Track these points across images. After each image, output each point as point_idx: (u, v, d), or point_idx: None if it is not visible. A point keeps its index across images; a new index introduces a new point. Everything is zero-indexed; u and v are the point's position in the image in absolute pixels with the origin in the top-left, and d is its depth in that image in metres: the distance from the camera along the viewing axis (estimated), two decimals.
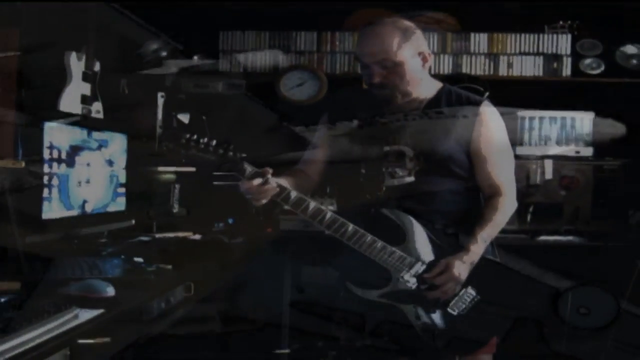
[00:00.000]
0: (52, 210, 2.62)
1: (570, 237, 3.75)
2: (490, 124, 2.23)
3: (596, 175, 3.96)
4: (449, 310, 2.17)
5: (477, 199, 2.29)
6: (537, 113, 4.02)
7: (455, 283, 2.13)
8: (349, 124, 2.28)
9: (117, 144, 3.16)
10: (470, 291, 2.17)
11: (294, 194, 2.11)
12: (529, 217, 3.85)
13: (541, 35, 4.12)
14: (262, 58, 4.18)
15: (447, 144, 2.19)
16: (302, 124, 2.50)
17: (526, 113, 4.02)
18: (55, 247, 2.56)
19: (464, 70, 4.12)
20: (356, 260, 2.16)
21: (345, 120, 2.30)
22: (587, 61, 4.13)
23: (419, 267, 2.16)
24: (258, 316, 3.37)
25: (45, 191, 2.58)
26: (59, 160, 2.68)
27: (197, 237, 3.33)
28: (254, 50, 4.19)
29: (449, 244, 2.18)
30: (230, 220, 3.73)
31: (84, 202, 2.88)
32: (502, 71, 4.13)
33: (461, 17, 4.18)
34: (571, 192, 3.96)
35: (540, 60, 4.11)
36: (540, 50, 4.11)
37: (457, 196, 2.23)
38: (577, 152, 4.00)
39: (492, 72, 4.13)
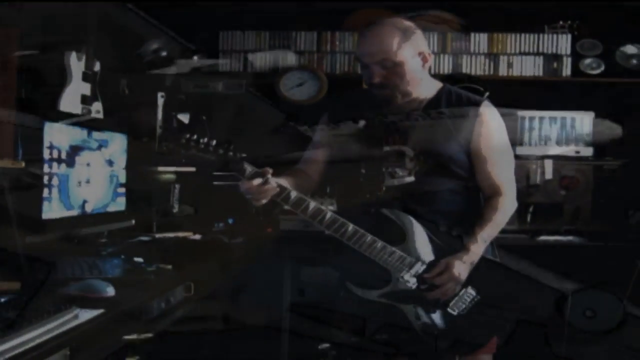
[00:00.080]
0: (52, 210, 2.62)
1: (570, 237, 3.75)
2: (491, 124, 2.23)
3: (596, 175, 3.97)
4: (449, 310, 2.17)
5: (477, 199, 2.28)
6: (537, 113, 4.03)
7: (455, 283, 2.13)
8: (355, 125, 2.28)
9: (117, 144, 3.16)
10: (470, 291, 2.17)
11: (294, 194, 2.11)
12: (529, 217, 3.85)
13: (541, 35, 4.12)
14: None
15: (447, 144, 2.19)
16: (304, 123, 2.50)
17: (526, 113, 4.02)
18: (55, 247, 2.56)
19: (464, 70, 4.12)
20: (356, 260, 2.16)
21: (345, 120, 2.30)
22: (587, 61, 4.13)
23: (419, 267, 2.15)
24: (258, 316, 3.37)
25: (45, 191, 2.58)
26: (59, 160, 2.68)
27: (197, 237, 3.33)
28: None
29: (449, 244, 2.18)
30: (230, 221, 3.73)
31: (84, 202, 2.87)
32: (502, 71, 4.13)
33: (461, 17, 4.18)
34: (571, 192, 3.96)
35: (540, 60, 4.11)
36: (540, 50, 4.11)
37: (457, 196, 2.23)
38: (577, 152, 4.00)
39: (492, 72, 4.13)
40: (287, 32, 4.21)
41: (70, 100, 2.80)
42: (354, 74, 4.06)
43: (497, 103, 2.30)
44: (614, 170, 3.95)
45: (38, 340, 1.54)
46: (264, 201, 2.12)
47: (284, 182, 2.14)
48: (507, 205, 2.24)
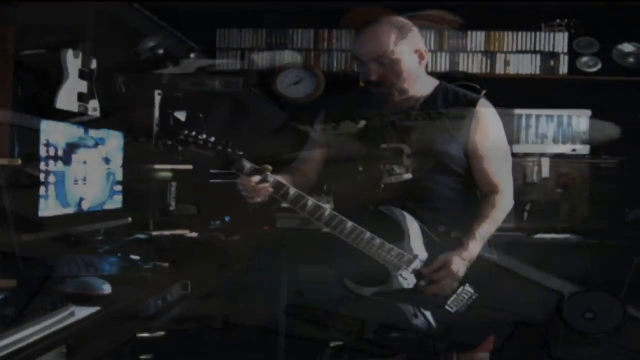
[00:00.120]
0: (48, 208, 2.61)
1: (567, 236, 3.75)
2: (488, 121, 2.23)
3: (593, 174, 3.97)
4: (447, 308, 2.17)
5: (474, 196, 2.29)
6: (534, 111, 4.03)
7: (453, 279, 2.13)
8: (352, 124, 2.27)
9: (114, 141, 3.16)
10: (468, 289, 2.17)
11: (292, 191, 2.12)
12: (525, 216, 3.86)
13: (538, 34, 4.12)
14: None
15: (445, 142, 2.19)
16: (305, 123, 2.51)
17: (523, 111, 4.02)
18: (52, 245, 2.55)
19: (461, 69, 4.12)
20: (354, 258, 2.16)
21: (343, 119, 2.30)
22: (584, 59, 4.13)
23: (417, 265, 2.15)
24: (255, 315, 3.37)
25: (42, 189, 2.57)
26: (56, 158, 2.67)
27: (194, 235, 3.33)
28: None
29: (447, 241, 2.18)
30: (227, 219, 3.72)
31: (81, 200, 2.87)
32: (499, 69, 4.12)
33: (458, 15, 4.18)
34: (568, 191, 3.97)
35: (537, 59, 4.11)
36: (537, 48, 4.11)
37: (454, 193, 2.23)
38: (574, 150, 4.00)
39: (489, 71, 4.12)
40: (284, 30, 4.21)
41: (67, 98, 2.80)
42: (351, 71, 4.06)
43: (494, 101, 2.30)
44: (611, 168, 3.95)
45: (35, 338, 1.53)
46: (261, 199, 2.12)
47: (282, 179, 2.14)
48: (504, 203, 2.24)
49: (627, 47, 4.11)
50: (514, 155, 2.44)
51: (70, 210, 2.78)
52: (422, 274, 2.14)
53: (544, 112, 4.02)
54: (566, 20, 4.11)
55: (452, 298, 2.16)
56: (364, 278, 2.20)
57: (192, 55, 3.92)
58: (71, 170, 2.78)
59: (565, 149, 4.00)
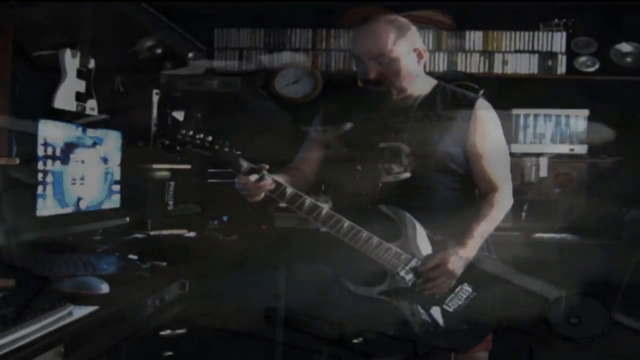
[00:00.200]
0: (46, 207, 2.61)
1: (564, 235, 3.76)
2: (486, 120, 2.23)
3: (590, 173, 3.98)
4: (445, 307, 2.17)
5: (472, 195, 2.29)
6: (532, 111, 4.03)
7: (450, 277, 2.13)
8: (350, 123, 2.27)
9: (111, 141, 3.15)
10: (467, 288, 2.17)
11: (289, 190, 2.11)
12: (523, 215, 3.86)
13: (536, 33, 4.12)
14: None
15: (443, 141, 2.19)
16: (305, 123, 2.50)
17: (521, 111, 4.02)
18: (50, 245, 2.55)
19: (459, 68, 4.12)
20: (352, 257, 2.16)
21: (340, 118, 2.29)
22: (582, 59, 4.14)
23: (415, 263, 2.15)
24: (252, 314, 3.36)
25: (40, 188, 2.57)
26: (54, 158, 2.67)
27: (192, 234, 3.32)
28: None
29: (445, 240, 2.18)
30: (224, 218, 3.72)
31: (79, 199, 2.87)
32: (497, 69, 4.13)
33: (456, 14, 4.18)
34: (566, 190, 3.97)
35: (535, 58, 4.11)
36: (535, 48, 4.12)
37: (453, 192, 2.23)
38: (572, 149, 4.00)
39: (487, 70, 4.13)
40: (282, 30, 4.21)
41: (64, 97, 2.80)
42: (349, 71, 4.06)
43: (492, 100, 2.31)
44: (609, 167, 3.96)
45: (32, 337, 1.53)
46: (259, 198, 2.12)
47: (279, 179, 2.14)
48: (503, 201, 2.24)
49: (625, 47, 4.12)
50: (511, 154, 2.44)
51: (68, 210, 2.78)
52: (419, 272, 2.14)
53: (542, 111, 4.03)
54: (564, 20, 4.11)
55: (450, 297, 2.17)
56: (361, 277, 2.20)
57: (190, 55, 3.92)
58: (69, 169, 2.78)
59: (563, 148, 4.01)
